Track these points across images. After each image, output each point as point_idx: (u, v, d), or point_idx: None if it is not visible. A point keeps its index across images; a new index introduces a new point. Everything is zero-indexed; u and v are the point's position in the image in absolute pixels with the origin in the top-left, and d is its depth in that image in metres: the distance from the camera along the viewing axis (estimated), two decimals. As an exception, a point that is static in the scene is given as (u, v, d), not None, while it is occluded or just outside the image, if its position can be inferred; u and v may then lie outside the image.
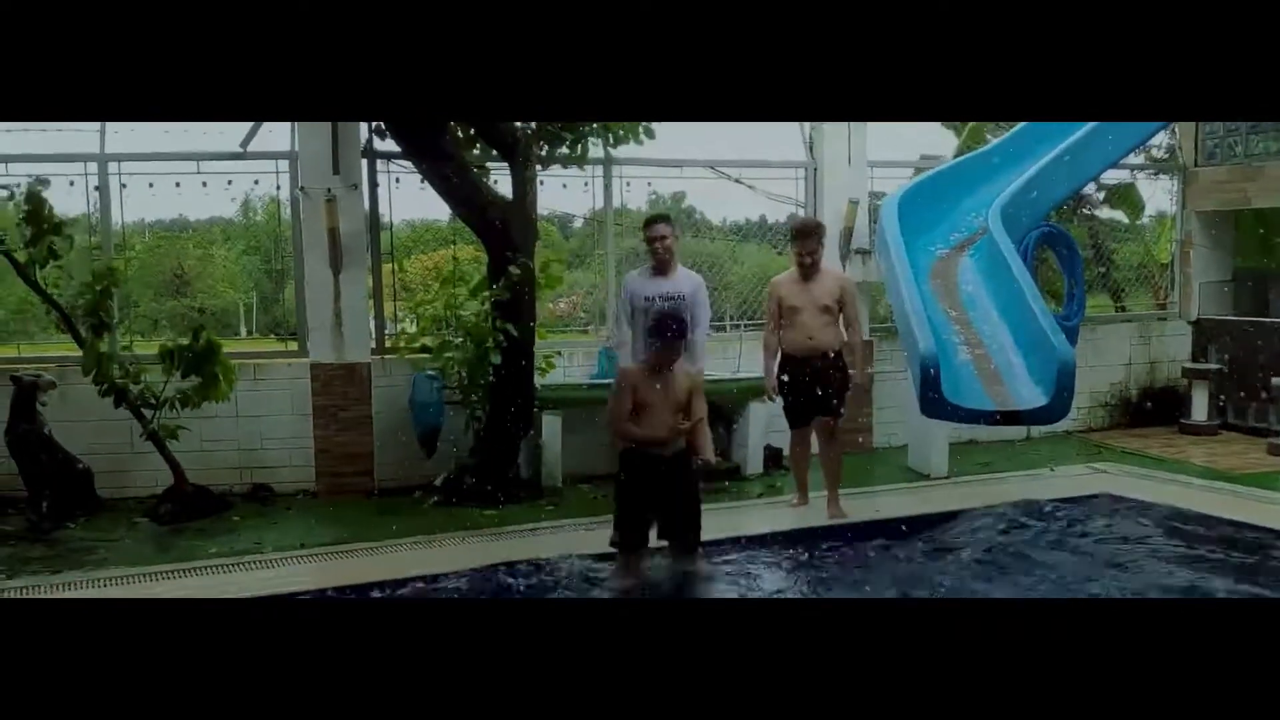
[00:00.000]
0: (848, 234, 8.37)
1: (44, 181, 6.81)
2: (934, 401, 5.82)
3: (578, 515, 6.00)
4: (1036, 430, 8.88)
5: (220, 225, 14.02)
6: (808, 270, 6.34)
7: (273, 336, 11.94)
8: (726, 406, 7.89)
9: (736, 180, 8.57)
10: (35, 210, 6.69)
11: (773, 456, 8.01)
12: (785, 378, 6.43)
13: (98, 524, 6.78)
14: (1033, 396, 5.95)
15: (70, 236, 6.97)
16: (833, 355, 6.32)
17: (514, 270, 6.76)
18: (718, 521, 6.30)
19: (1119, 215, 11.25)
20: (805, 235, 6.36)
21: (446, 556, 5.64)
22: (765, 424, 7.82)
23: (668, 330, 4.90)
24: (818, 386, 6.30)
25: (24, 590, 5.28)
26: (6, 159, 7.21)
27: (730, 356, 8.32)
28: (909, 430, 8.20)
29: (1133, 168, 10.48)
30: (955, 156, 8.92)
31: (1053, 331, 5.96)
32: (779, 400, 6.63)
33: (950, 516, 6.21)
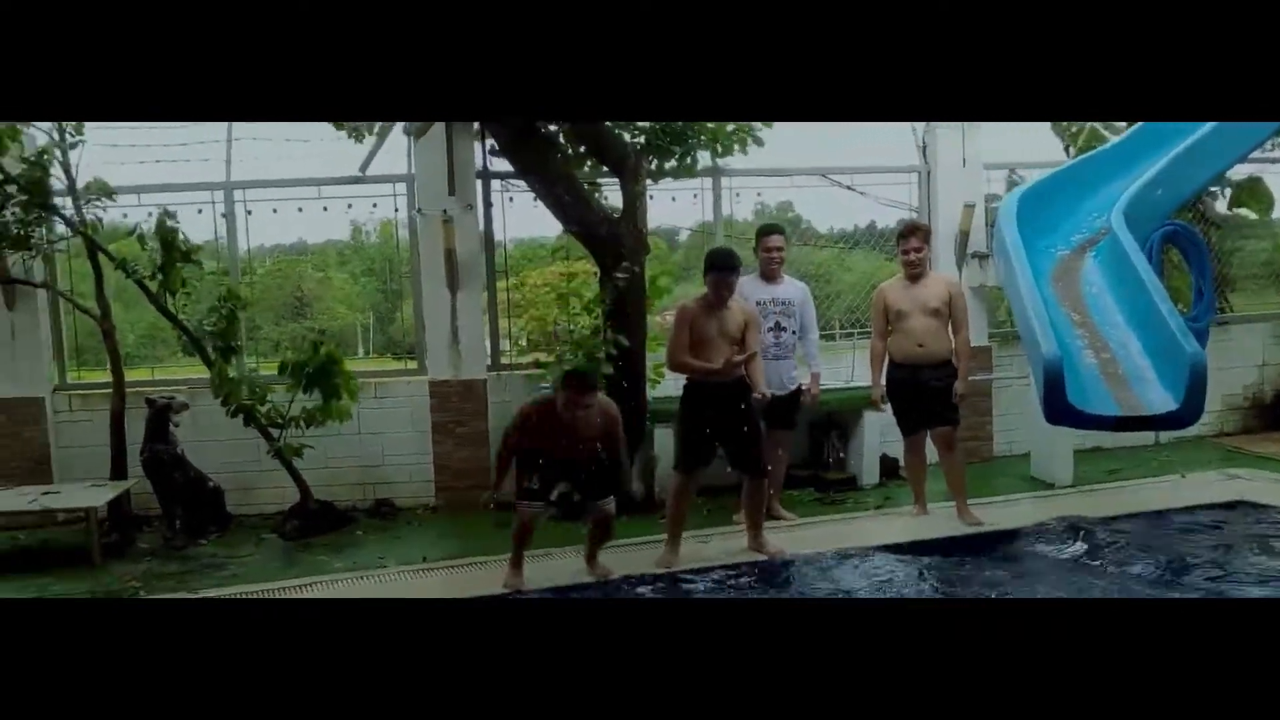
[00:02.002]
0: (964, 238, 8.21)
1: (171, 214, 7.09)
2: (1058, 407, 5.65)
3: (690, 527, 5.98)
4: (1165, 435, 8.59)
5: (336, 249, 14.43)
6: (914, 272, 6.25)
7: (389, 356, 12.20)
8: (839, 416, 7.80)
9: (848, 187, 8.48)
10: (166, 239, 6.97)
11: (889, 467, 7.86)
12: (895, 386, 6.36)
13: (228, 540, 7.01)
14: (1163, 401, 5.72)
15: (199, 263, 7.24)
16: (944, 361, 6.21)
17: (619, 276, 6.79)
18: (835, 533, 6.29)
19: (1244, 211, 10.76)
20: (909, 235, 6.30)
21: (563, 569, 5.68)
22: (880, 433, 7.69)
23: (724, 262, 5.39)
24: (929, 394, 6.20)
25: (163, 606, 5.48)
26: (139, 189, 7.52)
27: (842, 366, 8.22)
28: (1031, 438, 7.97)
29: (1262, 160, 10.03)
30: (1073, 157, 8.67)
31: (1182, 333, 5.73)
32: (888, 409, 6.57)
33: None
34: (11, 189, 6.70)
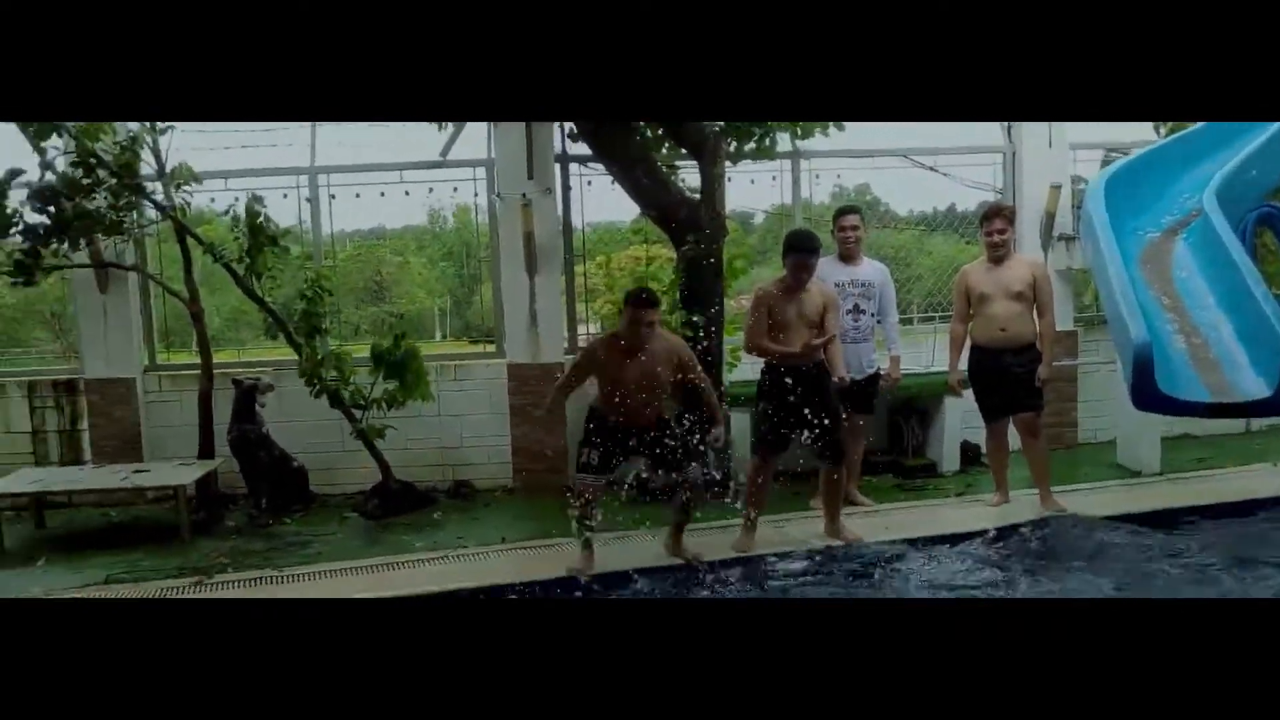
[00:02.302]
0: (1050, 219, 8.02)
1: (259, 198, 7.23)
2: (1147, 393, 5.50)
3: (766, 512, 5.96)
4: (1257, 423, 8.34)
5: (414, 234, 14.59)
6: (998, 255, 6.14)
7: (466, 340, 12.31)
8: (919, 401, 7.70)
9: (930, 168, 8.34)
10: (254, 223, 7.10)
11: (970, 453, 7.74)
12: (977, 370, 6.26)
13: (312, 519, 7.14)
14: (1255, 387, 5.54)
15: (287, 247, 7.38)
16: (1027, 345, 6.10)
17: (686, 249, 6.75)
18: (913, 520, 6.22)
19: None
20: (992, 216, 6.20)
21: (635, 552, 5.70)
22: (961, 419, 7.57)
23: (804, 244, 5.36)
24: (1012, 379, 6.10)
25: (250, 583, 5.61)
26: (225, 174, 7.67)
27: (922, 350, 8.11)
28: (1117, 424, 7.79)
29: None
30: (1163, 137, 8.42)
31: (1276, 317, 5.53)
32: (968, 394, 6.47)
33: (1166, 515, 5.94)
34: (104, 173, 6.86)
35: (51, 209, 6.82)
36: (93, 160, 6.82)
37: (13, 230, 6.85)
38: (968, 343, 6.32)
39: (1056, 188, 8.00)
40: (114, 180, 6.90)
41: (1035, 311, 6.14)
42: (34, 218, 6.88)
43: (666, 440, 5.35)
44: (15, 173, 6.82)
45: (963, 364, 6.37)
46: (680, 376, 5.28)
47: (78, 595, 5.08)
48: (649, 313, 5.08)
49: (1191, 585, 4.84)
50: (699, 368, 5.41)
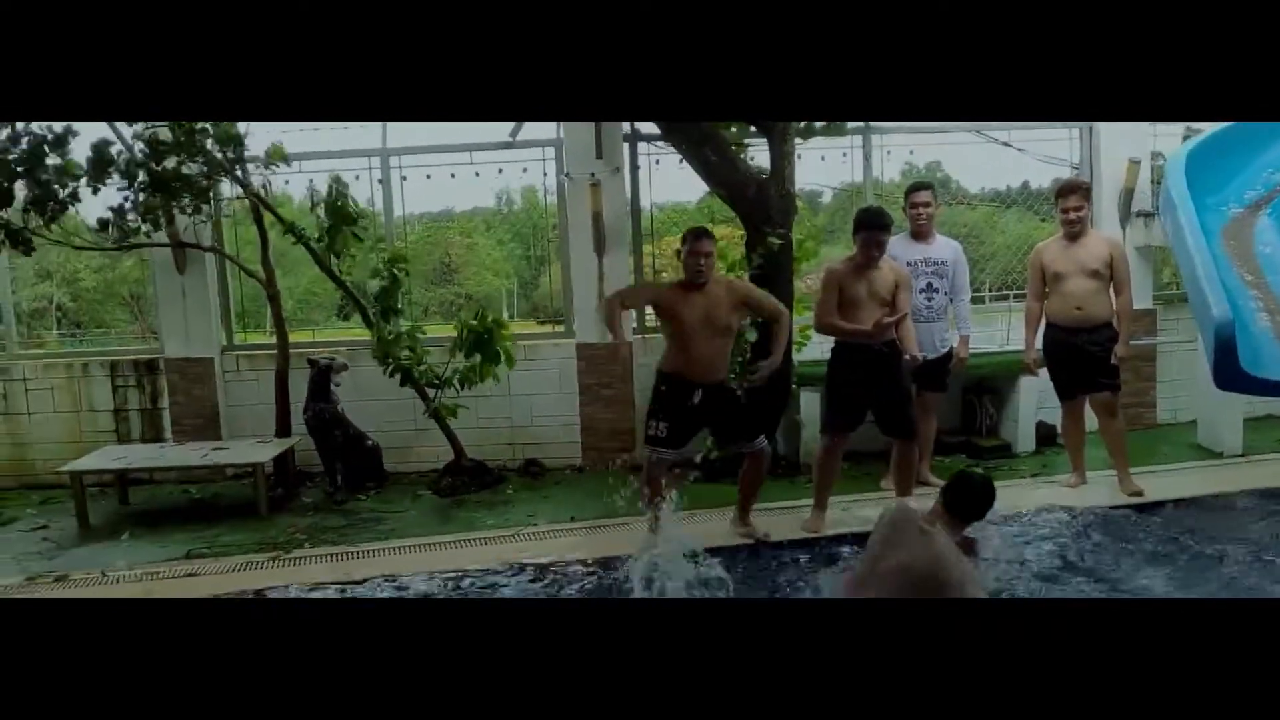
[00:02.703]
0: (1128, 195, 7.83)
1: (342, 180, 7.32)
2: (1230, 372, 5.36)
3: (836, 492, 5.93)
4: (1345, 404, 8.10)
5: (484, 215, 14.70)
6: (1073, 231, 6.02)
7: (533, 321, 12.38)
8: (993, 381, 7.59)
9: (1005, 144, 8.18)
10: (336, 204, 7.20)
11: (1045, 434, 7.61)
12: (1052, 349, 6.16)
13: (386, 496, 7.25)
14: (1341, 365, 5.40)
15: (366, 228, 7.47)
16: (1104, 324, 5.99)
17: (773, 240, 6.70)
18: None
19: None
20: (1069, 192, 6.07)
21: (701, 531, 5.71)
22: (1036, 399, 7.45)
23: (875, 220, 5.36)
24: (1088, 358, 5.99)
25: (327, 558, 5.72)
26: (299, 156, 7.77)
27: (996, 329, 7.99)
28: (1198, 404, 7.60)
29: None
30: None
31: (1364, 293, 5.39)
32: (1043, 374, 6.37)
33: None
34: (206, 140, 6.99)
35: (152, 166, 6.94)
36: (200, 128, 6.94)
37: (110, 183, 6.99)
38: (1043, 321, 6.22)
39: (1135, 162, 7.80)
40: (216, 149, 7.03)
41: (1112, 289, 6.01)
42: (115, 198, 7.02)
43: (732, 404, 5.38)
44: (107, 143, 6.97)
45: (1039, 342, 6.28)
46: (745, 311, 5.37)
47: (78, 594, 5.16)
48: (704, 244, 5.20)
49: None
50: (759, 293, 5.45)
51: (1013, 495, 6.26)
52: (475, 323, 7.12)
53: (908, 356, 5.42)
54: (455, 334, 7.28)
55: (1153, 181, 7.83)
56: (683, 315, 5.24)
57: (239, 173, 7.29)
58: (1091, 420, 6.26)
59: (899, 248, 6.36)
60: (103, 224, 7.21)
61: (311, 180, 7.37)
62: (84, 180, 6.87)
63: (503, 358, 7.18)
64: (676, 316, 5.26)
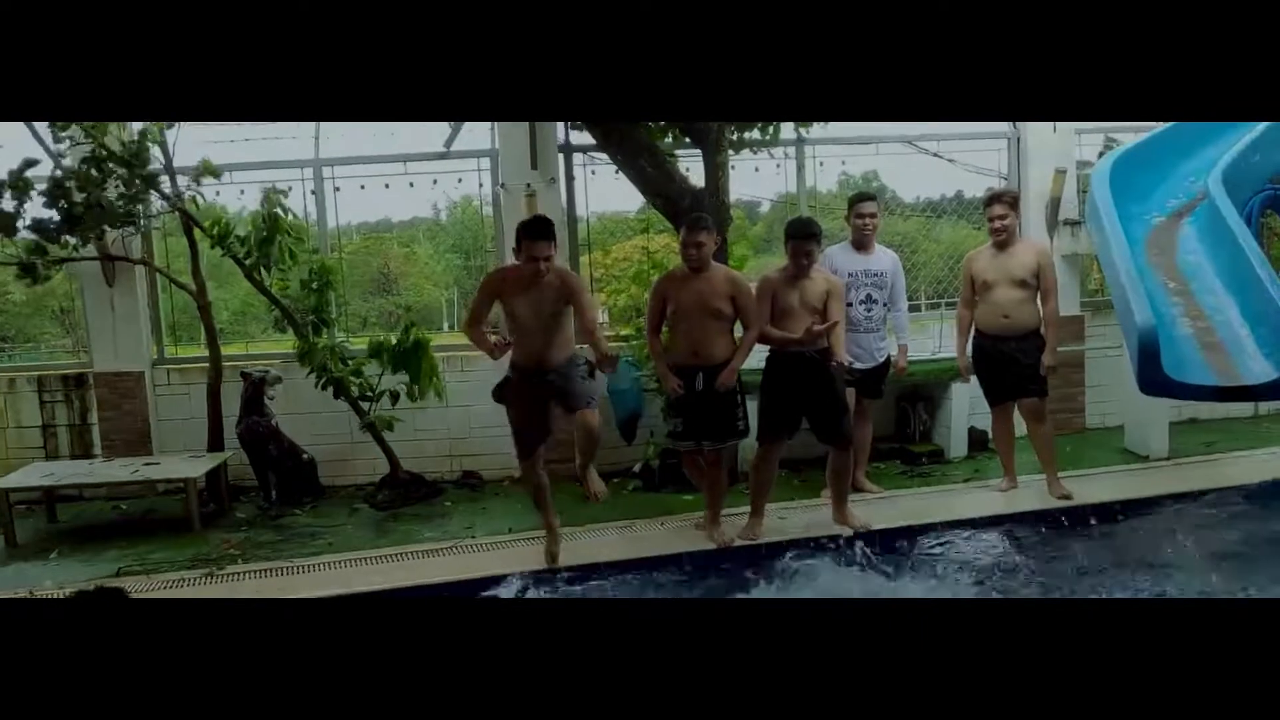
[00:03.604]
0: (1055, 204, 7.99)
1: (282, 190, 7.26)
2: (1153, 377, 5.52)
3: (776, 499, 6.00)
4: (1265, 407, 8.31)
5: (421, 226, 14.60)
6: (1000, 240, 6.14)
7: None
8: (926, 388, 7.70)
9: (935, 154, 8.32)
10: (270, 215, 7.14)
11: (978, 439, 7.73)
12: (981, 356, 6.29)
13: (322, 510, 7.18)
14: (1262, 370, 5.55)
15: (301, 239, 7.41)
16: (1031, 332, 6.12)
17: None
18: (923, 506, 6.24)
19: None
20: (994, 201, 6.20)
21: (648, 540, 5.74)
22: (968, 405, 7.57)
23: (803, 230, 5.51)
24: (1016, 365, 6.11)
25: (261, 574, 5.65)
26: (231, 167, 7.66)
27: (929, 337, 8.11)
28: (1125, 409, 7.77)
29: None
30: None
31: (1283, 300, 5.55)
32: (974, 380, 6.49)
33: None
34: (114, 166, 6.88)
35: (63, 203, 6.83)
36: (104, 152, 6.84)
37: (21, 226, 6.87)
38: (973, 328, 6.33)
39: (1061, 172, 7.98)
40: (125, 172, 6.92)
41: (1040, 298, 6.13)
42: (43, 213, 6.90)
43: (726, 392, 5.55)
44: (30, 162, 6.83)
45: (969, 349, 6.39)
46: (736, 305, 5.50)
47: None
48: (699, 235, 5.43)
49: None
50: (747, 293, 5.59)
51: (946, 500, 6.39)
52: (399, 338, 7.09)
53: (834, 363, 5.51)
54: (370, 348, 7.28)
55: (1079, 190, 8.00)
56: (685, 304, 5.48)
57: (165, 187, 7.19)
58: (1021, 425, 6.37)
59: (840, 258, 6.43)
60: (26, 268, 7.08)
61: (243, 191, 7.30)
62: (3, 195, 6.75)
63: (431, 379, 7.13)
64: (681, 307, 5.51)
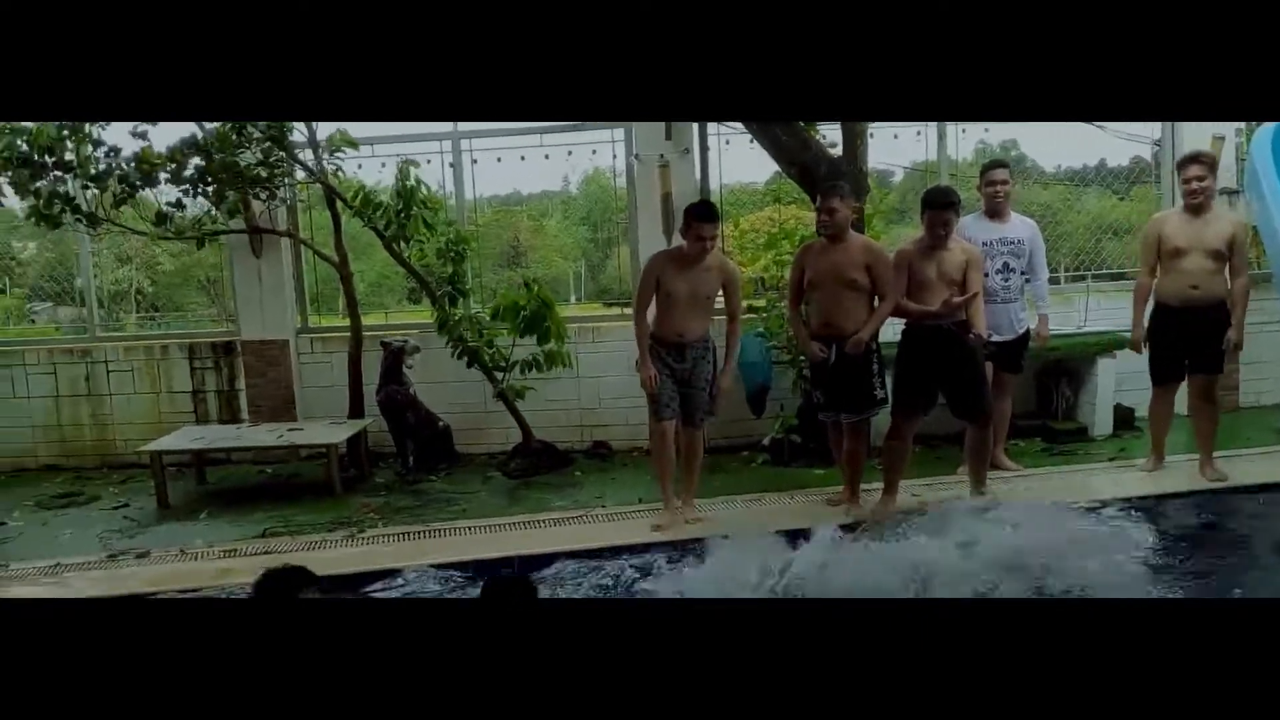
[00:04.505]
0: (1212, 172, 7.60)
1: (414, 163, 7.40)
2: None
3: (909, 476, 5.88)
4: None
5: (551, 198, 14.75)
6: (1195, 203, 5.71)
7: (600, 304, 12.40)
8: (1070, 363, 7.44)
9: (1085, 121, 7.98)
10: (406, 187, 7.29)
11: (1123, 417, 7.43)
12: (1159, 328, 5.91)
13: (457, 477, 7.32)
14: None
15: (436, 211, 7.54)
16: (1216, 304, 5.71)
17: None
18: (1063, 485, 6.04)
19: None
20: (1190, 162, 5.74)
21: (777, 513, 5.69)
22: (1114, 381, 7.28)
23: (941, 199, 5.35)
24: (1198, 340, 5.74)
25: (398, 537, 5.80)
26: (372, 140, 7.85)
27: (1074, 310, 7.83)
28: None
29: None
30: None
31: None
32: (1121, 355, 6.20)
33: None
34: (255, 132, 7.08)
35: (199, 160, 7.07)
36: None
37: (163, 179, 7.15)
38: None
39: (1220, 139, 7.57)
40: (266, 142, 7.13)
41: (1229, 271, 5.72)
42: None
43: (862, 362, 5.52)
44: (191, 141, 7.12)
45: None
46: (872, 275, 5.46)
47: (73, 595, 5.17)
48: (833, 200, 5.41)
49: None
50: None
51: (1089, 480, 6.17)
52: (521, 298, 7.12)
53: (972, 335, 5.34)
54: (493, 311, 7.35)
55: (1238, 159, 7.59)
56: (825, 276, 5.47)
57: (310, 160, 7.39)
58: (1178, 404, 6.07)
59: (974, 227, 6.24)
60: (160, 218, 7.37)
61: (384, 164, 7.44)
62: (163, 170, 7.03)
63: (554, 338, 7.18)
64: (819, 280, 5.50)
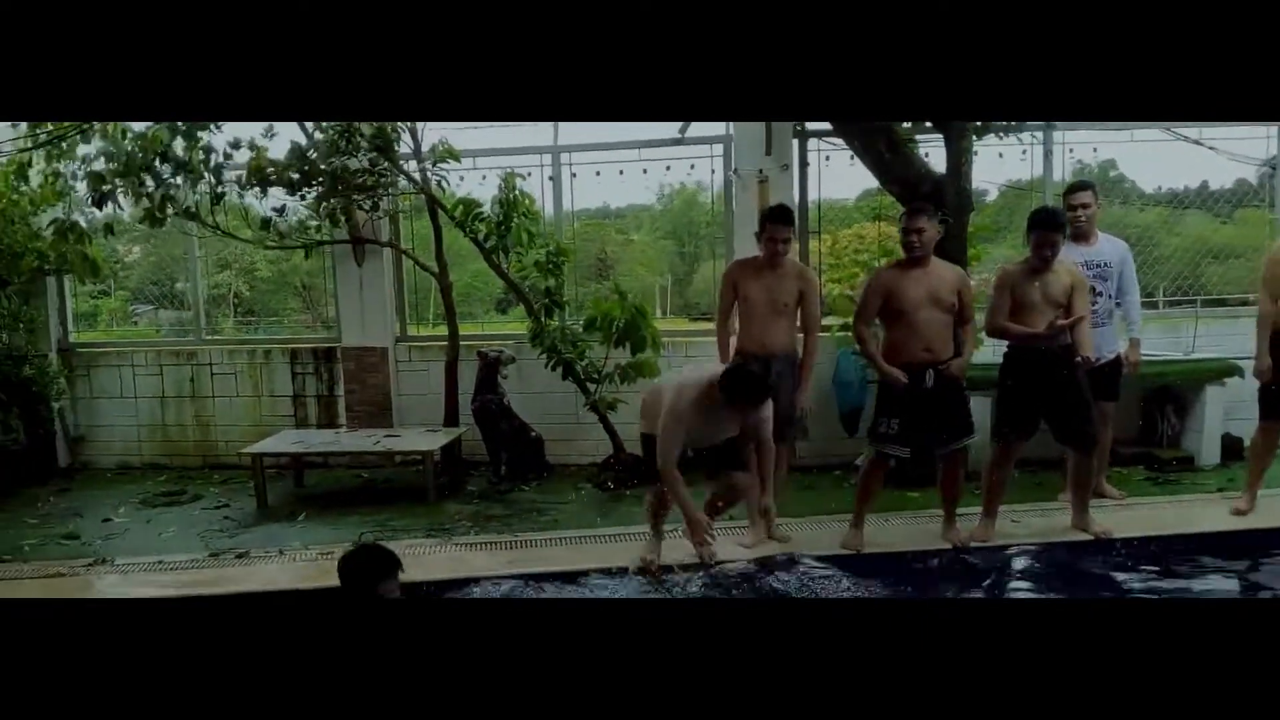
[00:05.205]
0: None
1: (520, 175, 7.50)
2: None
3: (1011, 501, 5.76)
4: None
5: (638, 212, 14.78)
6: None
7: (685, 317, 12.40)
8: (1176, 390, 7.24)
9: (1195, 141, 7.76)
10: (508, 199, 7.38)
11: (1232, 447, 7.19)
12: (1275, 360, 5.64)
13: (548, 487, 7.37)
14: None
15: (538, 220, 7.63)
16: None
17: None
18: (1168, 515, 5.88)
19: None
20: None
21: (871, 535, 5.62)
22: (1223, 410, 7.07)
23: (1048, 220, 5.22)
24: None
25: (492, 546, 5.82)
26: (474, 153, 7.96)
27: (1181, 335, 7.61)
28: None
29: None
30: None
31: None
32: (1232, 383, 5.97)
33: None
34: (362, 142, 7.22)
35: (305, 166, 7.23)
36: (353, 128, 7.19)
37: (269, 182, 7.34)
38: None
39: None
40: (372, 152, 7.26)
41: None
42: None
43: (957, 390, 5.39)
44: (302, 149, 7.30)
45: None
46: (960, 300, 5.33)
47: (74, 595, 5.26)
48: (921, 221, 5.26)
49: None
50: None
51: (1193, 511, 5.98)
52: (614, 309, 7.15)
53: (1079, 359, 5.23)
54: (587, 321, 7.40)
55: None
56: (911, 300, 5.27)
57: (414, 170, 7.51)
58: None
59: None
60: (264, 223, 7.57)
61: (485, 176, 7.53)
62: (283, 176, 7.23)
63: (648, 343, 7.18)
64: (904, 305, 5.28)
